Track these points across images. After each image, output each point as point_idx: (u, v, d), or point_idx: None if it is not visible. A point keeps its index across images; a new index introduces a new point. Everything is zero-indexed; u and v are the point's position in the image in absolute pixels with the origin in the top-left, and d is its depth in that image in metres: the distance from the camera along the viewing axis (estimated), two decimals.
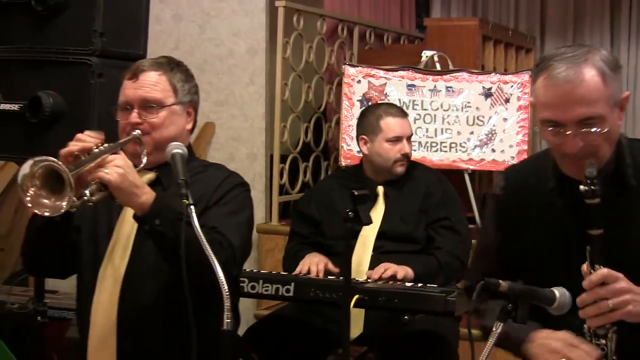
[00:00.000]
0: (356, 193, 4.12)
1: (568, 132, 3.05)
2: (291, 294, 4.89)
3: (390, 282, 4.86)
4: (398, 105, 6.77)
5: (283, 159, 7.21)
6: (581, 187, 2.97)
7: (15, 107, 4.56)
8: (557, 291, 2.98)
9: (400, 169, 5.34)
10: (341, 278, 4.87)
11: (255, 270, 5.16)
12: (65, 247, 3.64)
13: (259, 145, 7.12)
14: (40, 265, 3.86)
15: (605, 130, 3.07)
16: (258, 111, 7.11)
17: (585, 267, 2.99)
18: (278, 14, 7.04)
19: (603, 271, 2.95)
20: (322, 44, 7.74)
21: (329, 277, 4.99)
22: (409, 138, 5.36)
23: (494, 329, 2.92)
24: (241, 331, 5.27)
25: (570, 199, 3.14)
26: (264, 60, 7.10)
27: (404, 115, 5.44)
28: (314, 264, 5.08)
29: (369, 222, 4.10)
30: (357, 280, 4.88)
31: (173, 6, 7.29)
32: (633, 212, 3.23)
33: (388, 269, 4.91)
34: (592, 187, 2.94)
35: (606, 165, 3.18)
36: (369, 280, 4.90)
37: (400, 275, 4.88)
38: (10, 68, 4.70)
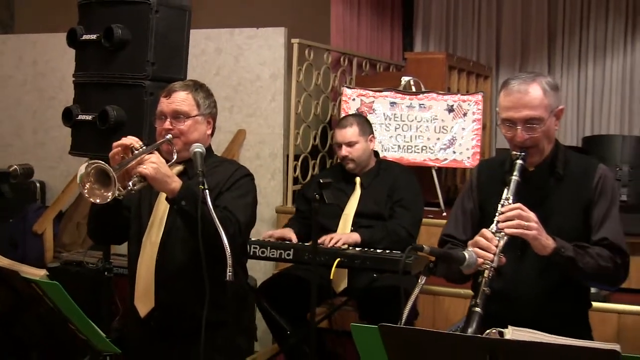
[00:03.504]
0: (321, 181, 4.22)
1: (518, 127, 3.39)
2: (291, 257, 5.01)
3: (357, 249, 4.98)
4: (383, 117, 6.94)
5: (296, 158, 7.23)
6: (513, 152, 3.43)
7: (89, 117, 4.71)
8: (467, 254, 3.12)
9: (348, 167, 5.46)
10: (329, 246, 5.03)
11: (265, 239, 5.23)
12: (117, 223, 3.78)
13: (278, 147, 7.15)
14: (99, 236, 4.00)
15: (543, 128, 3.41)
16: (278, 121, 7.13)
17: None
18: (293, 48, 7.08)
19: (519, 204, 3.27)
20: (327, 72, 7.76)
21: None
22: (350, 144, 5.40)
23: (419, 281, 3.05)
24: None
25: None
26: (282, 83, 7.12)
27: (347, 125, 5.46)
28: (277, 232, 5.35)
29: (330, 202, 4.19)
30: (341, 247, 5.00)
31: (215, 42, 7.33)
32: (558, 192, 3.52)
33: (333, 237, 5.05)
34: (520, 153, 3.38)
35: (546, 159, 3.53)
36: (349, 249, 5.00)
37: (343, 240, 5.02)
38: (86, 88, 4.83)
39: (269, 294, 5.28)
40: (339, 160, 5.65)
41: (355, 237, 5.08)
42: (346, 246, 5.00)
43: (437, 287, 5.87)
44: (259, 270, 6.55)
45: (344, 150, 5.40)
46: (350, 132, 5.42)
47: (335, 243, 5.00)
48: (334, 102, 7.91)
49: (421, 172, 6.72)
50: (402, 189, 5.38)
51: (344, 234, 5.12)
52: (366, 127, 5.52)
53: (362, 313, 5.20)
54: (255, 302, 5.29)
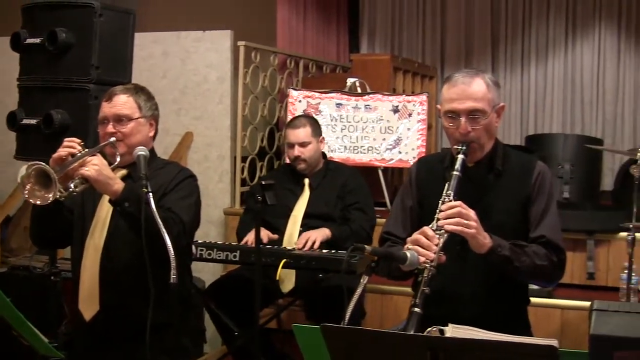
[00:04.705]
0: (264, 182, 4.21)
1: (461, 119, 3.39)
2: (237, 258, 5.01)
3: (314, 249, 4.98)
4: (329, 118, 6.94)
5: (244, 159, 7.22)
6: (455, 146, 3.43)
7: (34, 121, 4.64)
8: (409, 253, 3.11)
9: (299, 167, 5.45)
10: (275, 247, 5.03)
11: (211, 242, 5.22)
12: (59, 225, 3.74)
13: (226, 149, 7.11)
14: (41, 239, 3.93)
15: (486, 122, 3.42)
16: (225, 123, 7.10)
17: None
18: (240, 51, 7.07)
19: (459, 202, 3.26)
20: (274, 74, 7.76)
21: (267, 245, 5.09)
22: (302, 144, 5.41)
23: (362, 280, 3.04)
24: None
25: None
26: (229, 85, 7.09)
27: (300, 126, 5.47)
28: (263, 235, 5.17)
29: (273, 203, 4.18)
30: (287, 248, 5.01)
31: (162, 45, 7.28)
32: (497, 188, 3.52)
33: (309, 238, 5.04)
34: (461, 147, 3.37)
35: (486, 155, 3.53)
36: (295, 249, 5.01)
37: (318, 240, 5.02)
38: (31, 92, 4.76)
39: (217, 296, 5.25)
40: (288, 161, 5.65)
41: (327, 232, 5.11)
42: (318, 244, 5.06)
43: (384, 286, 5.88)
44: (208, 272, 6.50)
45: (297, 151, 5.40)
46: (303, 133, 5.43)
47: (313, 244, 5.02)
48: (280, 104, 7.91)
49: (367, 172, 6.72)
50: (355, 192, 5.43)
51: (315, 230, 5.12)
52: (317, 129, 5.55)
53: (309, 313, 5.21)
54: (203, 304, 5.26)
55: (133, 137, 3.71)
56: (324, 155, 5.64)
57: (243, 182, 7.18)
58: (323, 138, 5.60)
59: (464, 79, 3.43)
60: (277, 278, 4.87)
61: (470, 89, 3.41)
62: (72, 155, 3.45)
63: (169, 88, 7.15)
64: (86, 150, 3.48)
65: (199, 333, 5.32)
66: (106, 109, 3.75)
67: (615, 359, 2.31)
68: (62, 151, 3.47)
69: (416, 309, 3.05)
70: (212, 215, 6.96)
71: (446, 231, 3.22)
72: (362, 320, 5.30)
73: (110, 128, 3.70)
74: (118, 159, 3.65)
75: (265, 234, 5.16)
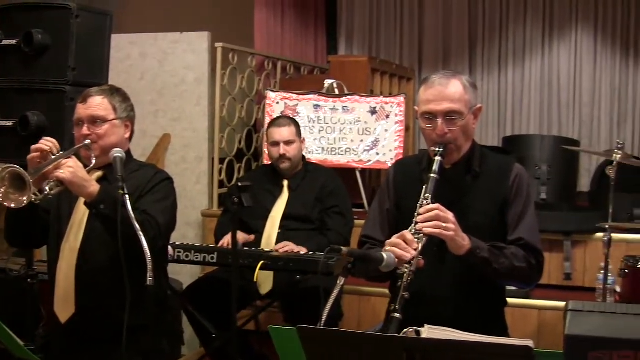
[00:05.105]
0: (240, 184, 4.20)
1: (438, 120, 3.37)
2: (215, 260, 4.99)
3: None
4: (307, 120, 6.92)
5: (222, 161, 7.20)
6: (432, 148, 3.41)
7: (9, 123, 4.61)
8: (385, 254, 3.10)
9: (282, 166, 5.43)
10: (253, 248, 5.02)
11: (189, 243, 5.21)
12: (34, 227, 3.73)
13: (204, 151, 7.09)
14: (16, 240, 3.92)
15: (463, 123, 3.41)
16: (203, 125, 7.08)
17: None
18: (217, 52, 7.05)
19: (437, 204, 3.24)
20: (252, 75, 7.74)
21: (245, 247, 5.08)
22: (288, 142, 5.41)
23: (338, 282, 3.02)
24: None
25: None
26: (207, 87, 7.07)
27: (285, 125, 5.48)
28: (240, 237, 5.14)
29: (249, 205, 4.16)
30: (265, 249, 5.00)
31: (140, 46, 7.25)
32: (475, 190, 3.51)
33: (287, 246, 5.02)
34: (439, 149, 3.35)
35: (464, 156, 3.51)
36: (273, 251, 5.00)
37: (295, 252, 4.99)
38: (7, 94, 4.72)
39: (195, 298, 5.22)
40: (266, 162, 5.64)
41: (304, 251, 5.05)
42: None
43: (362, 287, 5.88)
44: (185, 274, 6.48)
45: (282, 149, 5.41)
46: (288, 132, 5.45)
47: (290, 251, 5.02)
48: (258, 106, 7.90)
49: (345, 173, 6.72)
50: (334, 196, 5.44)
51: (295, 246, 5.07)
52: (299, 129, 5.58)
53: (287, 315, 5.21)
54: (181, 306, 5.24)
55: (108, 138, 3.69)
56: (302, 157, 5.64)
57: (221, 184, 7.17)
58: (304, 139, 5.62)
59: (441, 80, 3.42)
60: (255, 280, 4.87)
61: (447, 90, 3.39)
62: (45, 153, 3.44)
63: (146, 89, 7.13)
64: (61, 152, 3.47)
65: (176, 335, 5.29)
66: (81, 110, 3.72)
67: (589, 359, 2.32)
68: (37, 153, 3.46)
69: (396, 315, 3.05)
70: (190, 217, 6.94)
71: (424, 234, 3.21)
72: (340, 322, 5.29)
73: (85, 130, 3.67)
74: (94, 162, 3.63)
75: (241, 236, 5.15)
